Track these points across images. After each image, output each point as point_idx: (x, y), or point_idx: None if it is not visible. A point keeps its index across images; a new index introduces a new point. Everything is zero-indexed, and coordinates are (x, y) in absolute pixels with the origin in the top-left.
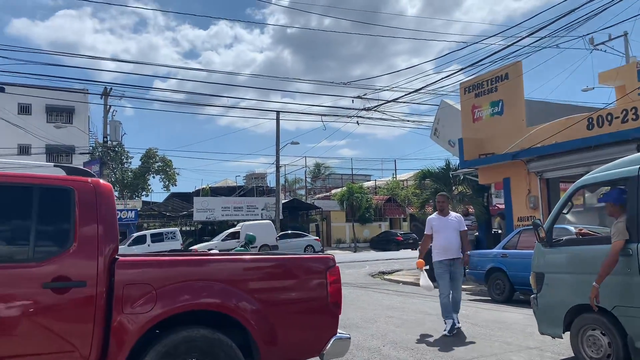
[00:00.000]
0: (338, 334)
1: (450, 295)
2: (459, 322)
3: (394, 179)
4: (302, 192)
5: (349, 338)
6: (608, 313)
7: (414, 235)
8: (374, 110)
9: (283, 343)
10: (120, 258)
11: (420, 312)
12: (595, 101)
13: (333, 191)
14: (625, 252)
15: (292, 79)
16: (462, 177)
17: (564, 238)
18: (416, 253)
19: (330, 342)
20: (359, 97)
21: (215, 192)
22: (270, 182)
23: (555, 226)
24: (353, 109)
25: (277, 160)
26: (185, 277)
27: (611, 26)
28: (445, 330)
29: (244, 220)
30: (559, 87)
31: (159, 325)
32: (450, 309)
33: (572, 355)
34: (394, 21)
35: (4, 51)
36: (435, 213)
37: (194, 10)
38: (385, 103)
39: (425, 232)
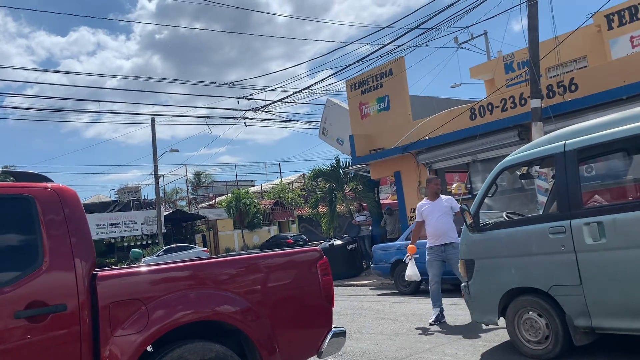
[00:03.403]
0: (333, 329)
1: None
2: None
3: (280, 182)
4: (183, 202)
5: (345, 331)
6: (544, 294)
7: (303, 236)
8: (262, 111)
9: (284, 346)
10: (100, 272)
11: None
12: (463, 96)
13: (218, 199)
14: (559, 229)
15: (168, 79)
16: (353, 173)
17: (492, 221)
18: None
19: (328, 338)
20: (244, 97)
21: (87, 209)
22: (147, 194)
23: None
24: (238, 109)
25: (156, 169)
26: (175, 287)
27: (472, 25)
28: (431, 319)
29: (122, 237)
30: (429, 85)
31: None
32: (438, 296)
33: (504, 341)
34: (266, 27)
35: None
36: (425, 199)
37: (49, 16)
38: (272, 103)
39: (416, 220)
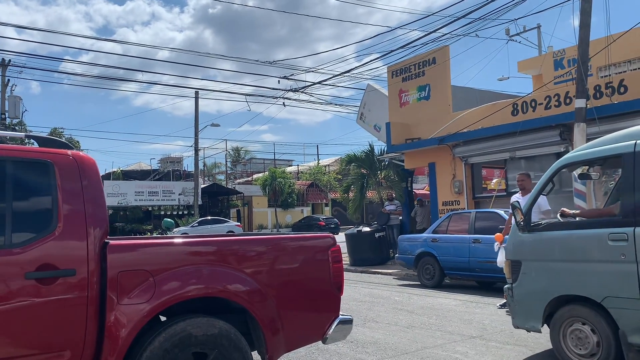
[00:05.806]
0: (340, 316)
1: None
2: None
3: (317, 164)
4: (222, 177)
5: (352, 320)
6: (597, 305)
7: (335, 220)
8: (301, 92)
9: (288, 329)
10: (112, 242)
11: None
12: (509, 90)
13: (255, 176)
14: (620, 236)
15: (214, 54)
16: (387, 161)
17: (545, 222)
18: (340, 237)
19: (334, 325)
20: (285, 77)
21: (128, 175)
22: (188, 166)
23: (478, 210)
24: (279, 89)
25: (196, 142)
26: (184, 261)
27: (524, 16)
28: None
29: (160, 206)
30: (476, 76)
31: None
32: None
33: (518, 344)
34: (318, 7)
35: None
36: (517, 193)
37: None
38: (312, 85)
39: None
